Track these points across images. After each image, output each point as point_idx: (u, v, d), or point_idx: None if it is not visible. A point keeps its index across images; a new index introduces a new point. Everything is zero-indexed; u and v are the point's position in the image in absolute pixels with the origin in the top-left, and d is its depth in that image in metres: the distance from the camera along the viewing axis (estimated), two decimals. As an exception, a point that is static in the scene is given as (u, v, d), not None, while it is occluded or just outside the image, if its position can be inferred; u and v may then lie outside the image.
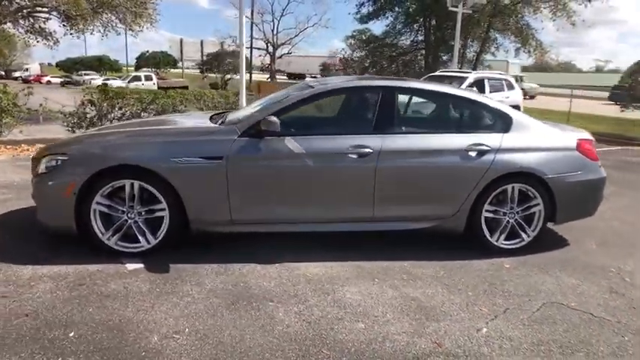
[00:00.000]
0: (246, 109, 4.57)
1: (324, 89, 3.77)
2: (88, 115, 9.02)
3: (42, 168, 3.54)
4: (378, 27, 43.08)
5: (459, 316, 2.90)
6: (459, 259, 3.70)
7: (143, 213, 3.47)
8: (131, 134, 3.69)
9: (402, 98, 3.82)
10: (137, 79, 31.05)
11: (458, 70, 14.07)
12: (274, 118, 3.39)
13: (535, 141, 3.84)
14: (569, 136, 4.01)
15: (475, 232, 3.81)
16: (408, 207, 3.72)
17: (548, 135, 3.95)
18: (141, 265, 3.39)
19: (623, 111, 13.82)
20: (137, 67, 48.31)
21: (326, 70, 22.93)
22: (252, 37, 28.05)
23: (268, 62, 31.93)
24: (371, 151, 3.56)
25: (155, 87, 26.63)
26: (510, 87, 11.99)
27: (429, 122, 3.99)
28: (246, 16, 28.08)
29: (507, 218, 3.82)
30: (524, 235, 3.86)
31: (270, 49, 32.16)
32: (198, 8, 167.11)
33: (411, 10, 18.71)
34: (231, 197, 3.49)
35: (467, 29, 15.28)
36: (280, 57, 33.24)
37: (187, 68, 47.04)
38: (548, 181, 3.76)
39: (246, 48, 31.14)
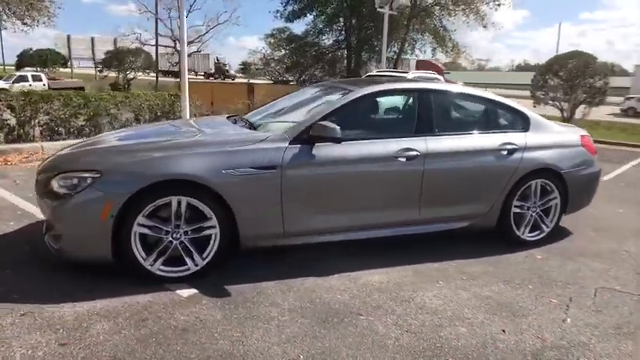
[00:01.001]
0: (260, 112, 4.34)
1: (368, 92, 3.69)
2: (8, 123, 7.87)
3: (59, 188, 3.02)
4: (298, 26, 43.08)
5: (537, 309, 3.03)
6: (495, 254, 3.87)
7: (190, 232, 3.12)
8: (171, 146, 3.27)
9: (437, 100, 3.88)
10: (23, 79, 27.56)
11: (395, 70, 14.62)
12: (330, 124, 3.24)
13: (551, 138, 4.14)
14: (574, 133, 4.39)
15: (505, 226, 4.00)
16: (450, 207, 3.80)
17: (559, 132, 4.28)
18: (194, 291, 3.04)
19: (535, 106, 15.33)
20: (18, 67, 42.95)
21: (246, 69, 22.37)
22: (157, 33, 26.34)
23: (176, 61, 30.25)
24: (418, 153, 3.57)
25: (46, 88, 23.97)
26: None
27: (461, 123, 4.10)
28: (150, 11, 26.32)
29: (531, 212, 4.08)
30: (544, 227, 4.15)
31: (178, 46, 30.53)
32: (78, 2, 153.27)
33: (329, 10, 19.04)
34: (285, 208, 3.28)
35: (388, 30, 15.91)
36: (190, 55, 31.76)
37: (78, 67, 43.10)
38: (564, 176, 4.08)
39: (152, 46, 29.21)
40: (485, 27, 18.91)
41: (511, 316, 2.92)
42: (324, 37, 19.98)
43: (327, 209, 3.43)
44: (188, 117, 10.11)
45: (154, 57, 28.63)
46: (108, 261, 3.03)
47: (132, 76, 30.15)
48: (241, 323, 2.69)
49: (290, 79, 19.92)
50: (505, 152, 3.88)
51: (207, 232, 3.14)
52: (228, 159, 3.15)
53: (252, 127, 3.75)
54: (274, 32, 20.51)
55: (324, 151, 3.34)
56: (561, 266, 3.73)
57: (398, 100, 3.85)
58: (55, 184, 3.07)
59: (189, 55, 33.14)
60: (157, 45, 27.56)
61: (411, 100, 3.77)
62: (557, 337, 2.70)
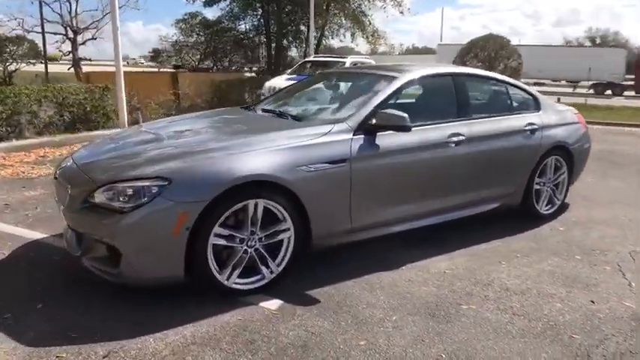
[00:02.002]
0: (279, 103, 4.05)
1: (414, 77, 3.60)
2: None
3: (112, 201, 2.54)
4: (212, 11, 40.68)
5: (600, 277, 3.23)
6: (525, 230, 4.06)
7: (264, 238, 2.83)
8: (242, 144, 2.87)
9: (470, 84, 3.93)
10: None
11: (332, 55, 14.56)
12: (398, 112, 3.11)
13: (558, 117, 4.42)
14: (571, 111, 4.73)
15: (528, 203, 4.21)
16: (487, 189, 3.89)
17: (561, 111, 4.58)
18: (279, 301, 2.77)
19: None
20: None
21: (157, 56, 20.73)
22: (42, 18, 23.47)
23: (69, 50, 26.91)
24: (464, 137, 3.60)
25: None
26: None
27: (490, 106, 4.17)
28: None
29: (546, 188, 4.34)
30: (555, 200, 4.44)
31: (71, 34, 27.09)
32: None
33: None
34: (353, 202, 3.11)
35: (308, 15, 15.79)
36: (84, 43, 28.55)
37: None
38: (572, 151, 4.39)
39: (37, 33, 25.99)
40: (402, 13, 19.66)
41: (586, 287, 3.08)
42: (240, 23, 19.28)
43: (391, 200, 3.33)
44: (125, 113, 9.17)
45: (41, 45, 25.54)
46: (179, 280, 2.64)
47: (14, 68, 26.62)
48: (358, 330, 2.51)
49: (208, 66, 18.96)
50: (529, 132, 4.06)
51: (281, 236, 2.87)
52: (301, 154, 2.89)
53: (295, 118, 3.48)
54: (186, 17, 19.31)
55: (386, 140, 3.21)
56: (586, 235, 4.02)
57: (438, 85, 3.82)
58: (103, 197, 2.58)
59: (83, 44, 30.11)
60: (43, 32, 24.60)
61: (450, 85, 3.76)
62: (637, 302, 2.91)
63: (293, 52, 19.76)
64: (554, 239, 3.91)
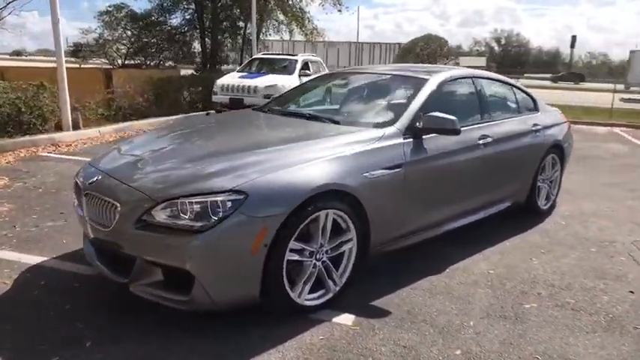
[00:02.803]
0: (297, 104, 3.89)
1: (444, 79, 3.59)
2: None
3: (177, 219, 2.27)
4: (139, 4, 38.94)
5: (624, 269, 3.43)
6: (533, 226, 4.26)
7: (330, 251, 2.68)
8: (309, 149, 2.71)
9: (487, 86, 4.03)
10: None
11: (283, 53, 14.22)
12: (447, 115, 3.09)
13: (552, 117, 4.69)
14: (558, 112, 5.03)
15: (532, 200, 4.42)
16: (506, 187, 4.03)
17: (552, 111, 4.86)
18: (351, 316, 2.64)
19: None
20: None
21: (78, 50, 18.88)
22: None
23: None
24: (491, 139, 3.68)
25: None
26: (324, 68, 13.02)
27: (502, 107, 4.26)
28: None
29: (545, 185, 4.58)
30: (551, 197, 4.71)
31: None
32: None
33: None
34: (407, 207, 3.06)
35: (247, 10, 15.34)
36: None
37: None
38: (564, 149, 4.67)
39: None
40: (340, 11, 19.75)
41: (617, 278, 3.28)
42: (172, 17, 18.26)
43: (436, 202, 3.32)
44: (69, 115, 8.31)
45: None
46: (254, 302, 2.42)
47: None
48: (445, 339, 2.46)
49: (137, 62, 17.72)
50: (535, 132, 4.25)
51: (344, 247, 2.75)
52: (364, 160, 2.78)
53: (334, 122, 3.34)
54: (110, 9, 17.90)
55: (431, 143, 3.19)
56: (586, 228, 4.31)
57: (464, 87, 3.85)
58: (163, 215, 2.29)
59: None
60: None
61: (472, 87, 3.83)
62: (667, 288, 3.16)
63: (228, 48, 19.08)
64: (562, 233, 4.14)
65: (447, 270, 3.31)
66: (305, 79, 11.80)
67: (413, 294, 2.94)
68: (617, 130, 11.79)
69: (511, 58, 70.02)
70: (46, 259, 3.26)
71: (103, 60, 18.58)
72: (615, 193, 5.56)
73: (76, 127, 8.60)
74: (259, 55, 12.83)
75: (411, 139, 3.09)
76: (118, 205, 2.39)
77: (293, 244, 2.45)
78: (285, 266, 2.43)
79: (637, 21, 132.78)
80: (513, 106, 4.34)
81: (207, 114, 11.79)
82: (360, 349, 2.35)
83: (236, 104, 10.38)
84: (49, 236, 3.67)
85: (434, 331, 2.54)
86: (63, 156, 6.68)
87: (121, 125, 9.40)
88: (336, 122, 3.32)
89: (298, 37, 19.59)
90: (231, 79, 10.94)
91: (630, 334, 2.59)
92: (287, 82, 10.74)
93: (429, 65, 4.16)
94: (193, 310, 2.38)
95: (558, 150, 4.61)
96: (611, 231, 4.24)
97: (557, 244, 3.87)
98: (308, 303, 2.60)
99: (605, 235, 4.12)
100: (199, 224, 2.24)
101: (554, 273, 3.33)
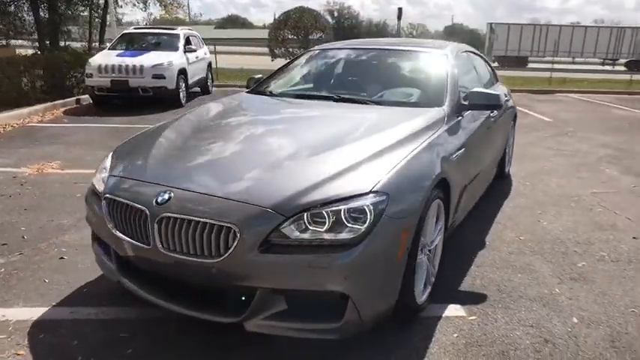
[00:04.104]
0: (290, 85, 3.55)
1: (456, 51, 3.59)
2: None
3: (315, 234, 1.87)
4: None
5: (611, 217, 3.92)
6: (508, 189, 4.62)
7: (430, 243, 2.51)
8: (395, 143, 2.40)
9: (479, 60, 4.15)
10: None
11: (159, 26, 12.46)
12: (491, 91, 3.08)
13: (504, 88, 5.05)
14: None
15: (502, 165, 4.76)
16: (499, 154, 4.29)
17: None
18: (456, 306, 2.56)
19: (273, 60, 15.95)
20: None
21: None
22: None
23: None
24: (497, 112, 3.81)
25: None
26: (204, 44, 12.06)
27: (486, 80, 4.32)
28: None
29: (508, 151, 4.96)
30: (510, 161, 5.14)
31: None
32: None
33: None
34: (468, 187, 3.05)
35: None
36: None
37: None
38: (515, 118, 5.12)
39: None
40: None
41: (614, 228, 3.74)
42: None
43: (475, 177, 3.33)
44: None
45: None
46: (389, 314, 2.14)
47: None
48: (558, 312, 2.52)
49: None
50: (507, 100, 4.54)
51: (439, 236, 2.61)
52: (446, 144, 2.63)
53: (376, 103, 3.08)
54: None
55: (469, 117, 3.17)
56: (548, 185, 4.81)
57: (466, 60, 3.81)
58: (296, 232, 1.87)
59: None
60: None
61: (472, 60, 3.88)
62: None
63: (70, 24, 16.37)
64: (536, 192, 4.57)
65: (487, 242, 3.39)
66: (190, 56, 10.88)
67: (482, 272, 2.94)
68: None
69: (345, 30, 73.98)
70: (46, 309, 2.45)
71: None
72: (539, 152, 6.29)
73: None
74: (132, 30, 11.27)
75: (460, 117, 3.02)
76: (238, 231, 1.86)
77: (422, 241, 2.24)
78: (415, 267, 2.20)
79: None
80: (490, 77, 4.56)
81: (78, 100, 10.04)
82: (500, 338, 2.28)
83: (120, 87, 9.04)
84: (38, 278, 2.76)
85: (537, 304, 2.59)
86: None
87: None
88: (380, 104, 3.08)
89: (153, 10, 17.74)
90: (108, 57, 9.40)
91: (670, 274, 2.98)
92: (174, 59, 9.71)
93: (424, 40, 4.10)
94: (349, 336, 2.00)
95: (514, 119, 5.02)
96: (569, 187, 4.80)
97: (541, 204, 4.24)
98: (420, 301, 2.42)
99: (568, 191, 4.65)
100: (349, 236, 1.88)
101: (568, 231, 3.64)
